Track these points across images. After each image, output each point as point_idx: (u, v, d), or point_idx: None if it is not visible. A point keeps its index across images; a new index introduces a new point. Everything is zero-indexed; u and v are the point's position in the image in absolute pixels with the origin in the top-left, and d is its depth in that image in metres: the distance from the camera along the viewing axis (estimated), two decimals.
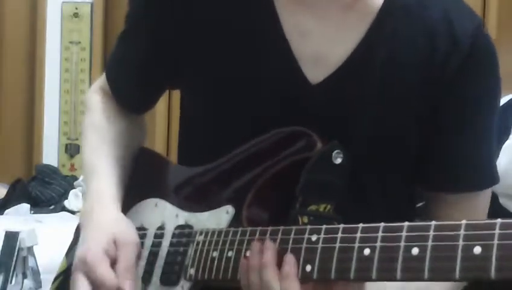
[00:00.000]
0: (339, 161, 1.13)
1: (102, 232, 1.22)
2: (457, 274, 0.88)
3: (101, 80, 1.47)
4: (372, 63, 1.21)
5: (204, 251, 1.17)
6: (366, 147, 1.21)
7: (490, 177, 1.27)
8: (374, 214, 1.19)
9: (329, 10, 1.22)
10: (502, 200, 2.38)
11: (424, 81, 1.21)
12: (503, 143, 2.31)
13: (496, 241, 0.86)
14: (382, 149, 1.22)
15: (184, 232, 1.23)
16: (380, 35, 1.22)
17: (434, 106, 1.21)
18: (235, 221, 1.17)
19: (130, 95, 1.41)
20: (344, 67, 1.22)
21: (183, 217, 1.25)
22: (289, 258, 1.04)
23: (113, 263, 1.19)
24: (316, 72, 1.22)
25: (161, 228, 1.28)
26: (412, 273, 0.92)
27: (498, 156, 2.19)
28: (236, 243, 1.13)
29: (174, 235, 1.24)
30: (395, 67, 1.21)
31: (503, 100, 2.45)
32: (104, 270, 1.17)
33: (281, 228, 1.08)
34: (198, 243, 1.19)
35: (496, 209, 2.21)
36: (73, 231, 1.53)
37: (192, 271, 1.19)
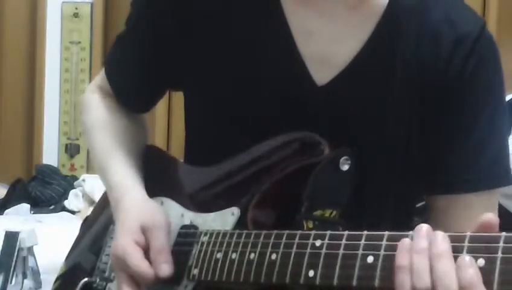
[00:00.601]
0: (346, 167, 1.13)
1: (128, 223, 1.22)
2: None
3: (98, 79, 1.46)
4: (378, 64, 1.22)
5: (209, 251, 1.17)
6: (370, 147, 1.21)
7: (493, 178, 1.25)
8: (372, 213, 1.20)
9: (335, 10, 1.23)
10: (502, 200, 2.38)
11: (428, 82, 1.21)
12: None
13: (499, 255, 0.86)
14: (386, 150, 1.23)
15: (189, 232, 1.23)
16: (385, 36, 1.22)
17: (438, 107, 1.22)
18: (240, 223, 1.17)
19: (131, 95, 1.41)
20: (349, 68, 1.22)
21: (188, 217, 1.25)
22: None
23: (147, 250, 1.19)
24: (322, 73, 1.22)
25: None
26: None
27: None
28: (240, 245, 1.12)
29: (179, 235, 1.24)
30: (399, 68, 1.21)
31: None
32: (137, 262, 1.17)
33: (286, 232, 1.08)
34: (202, 244, 1.18)
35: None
36: (73, 231, 1.53)
37: (195, 271, 1.18)
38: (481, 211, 1.24)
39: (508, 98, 2.48)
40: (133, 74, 1.38)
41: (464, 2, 1.28)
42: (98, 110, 1.42)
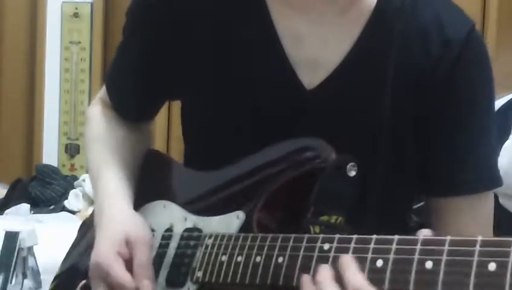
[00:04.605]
0: (353, 173, 1.13)
1: (112, 233, 1.22)
2: None
3: (101, 92, 1.48)
4: (366, 65, 1.22)
5: (213, 254, 1.17)
6: (362, 149, 1.20)
7: (488, 179, 1.27)
8: (370, 213, 1.20)
9: (322, 14, 1.23)
10: (502, 200, 2.38)
11: (418, 84, 1.22)
12: (504, 143, 2.32)
13: (511, 259, 0.86)
14: (379, 151, 1.23)
15: (193, 235, 1.23)
16: (373, 37, 1.22)
17: (429, 108, 1.22)
18: (245, 227, 1.17)
19: (129, 107, 1.42)
20: (338, 71, 1.22)
21: (191, 220, 1.25)
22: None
23: (128, 263, 1.19)
24: (311, 76, 1.23)
25: (169, 230, 1.28)
26: (425, 286, 0.92)
27: (498, 156, 2.20)
28: (246, 248, 1.13)
29: (182, 238, 1.24)
30: (388, 69, 1.21)
31: (504, 100, 2.46)
32: (118, 272, 1.17)
33: (293, 235, 1.08)
34: (207, 247, 1.19)
35: (496, 210, 2.21)
36: (73, 231, 1.53)
37: (199, 274, 1.19)
38: (474, 213, 1.26)
39: (508, 98, 2.49)
40: (129, 84, 1.39)
41: (454, 3, 1.28)
42: (96, 123, 1.43)
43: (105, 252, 1.20)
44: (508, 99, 2.49)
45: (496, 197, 2.31)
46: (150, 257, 1.21)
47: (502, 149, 2.27)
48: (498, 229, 1.30)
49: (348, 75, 1.22)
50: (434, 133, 1.23)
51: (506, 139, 2.37)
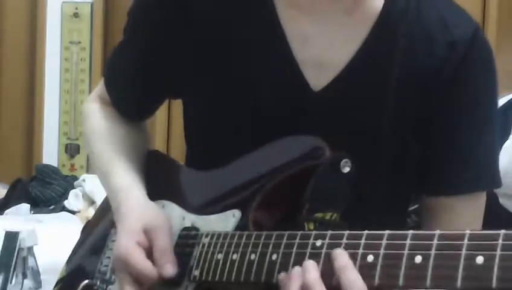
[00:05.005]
0: (347, 169, 1.14)
1: (130, 225, 1.22)
2: (459, 283, 0.89)
3: (98, 89, 1.48)
4: (373, 67, 1.23)
5: (210, 253, 1.17)
6: (367, 150, 1.21)
7: (488, 179, 1.27)
8: (370, 214, 1.20)
9: (330, 15, 1.23)
10: (502, 200, 2.38)
11: (423, 85, 1.22)
12: (503, 143, 2.32)
13: (498, 252, 0.87)
14: (382, 151, 1.23)
15: (190, 234, 1.23)
16: (379, 39, 1.23)
17: (432, 109, 1.23)
18: (241, 225, 1.17)
19: (129, 105, 1.42)
20: (345, 72, 1.23)
21: (189, 219, 1.25)
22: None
23: (149, 251, 1.19)
24: (318, 78, 1.23)
25: None
26: (414, 280, 0.93)
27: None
28: (241, 246, 1.13)
29: (179, 237, 1.25)
30: (394, 71, 1.22)
31: (504, 100, 2.46)
32: (139, 261, 1.17)
33: (287, 232, 1.08)
34: (203, 245, 1.19)
35: (496, 210, 2.21)
36: (73, 231, 1.53)
37: (196, 273, 1.19)
38: (469, 212, 1.26)
39: (508, 98, 2.49)
40: (130, 84, 1.39)
41: (457, 4, 1.28)
42: (97, 120, 1.43)
43: (125, 244, 1.20)
44: (508, 99, 2.49)
45: (496, 197, 2.32)
46: (170, 241, 1.20)
47: (502, 149, 2.27)
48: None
49: (354, 77, 1.22)
50: (436, 133, 1.24)
51: (506, 139, 2.37)
